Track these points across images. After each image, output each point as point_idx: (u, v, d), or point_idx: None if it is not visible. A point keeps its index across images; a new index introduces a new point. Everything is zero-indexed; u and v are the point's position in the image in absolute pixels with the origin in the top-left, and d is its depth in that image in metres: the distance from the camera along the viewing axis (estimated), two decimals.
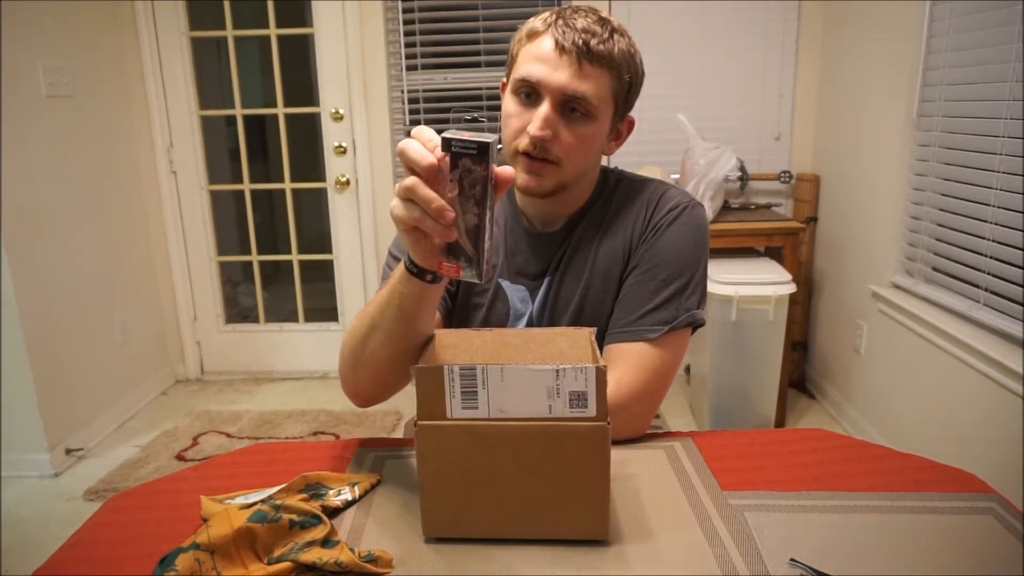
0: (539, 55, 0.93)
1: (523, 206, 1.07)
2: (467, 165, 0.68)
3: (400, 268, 0.81)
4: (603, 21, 0.94)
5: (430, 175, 0.69)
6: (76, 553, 0.74)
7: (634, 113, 1.04)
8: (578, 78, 0.92)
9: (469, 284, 1.07)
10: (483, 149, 0.67)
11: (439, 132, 0.70)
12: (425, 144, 0.70)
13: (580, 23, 0.92)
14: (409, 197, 0.70)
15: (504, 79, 1.02)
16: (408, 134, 0.72)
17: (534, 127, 0.93)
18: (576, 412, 0.68)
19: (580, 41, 0.91)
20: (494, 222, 0.72)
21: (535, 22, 0.96)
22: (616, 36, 0.94)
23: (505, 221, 1.08)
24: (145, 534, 0.76)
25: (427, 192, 0.69)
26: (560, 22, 0.93)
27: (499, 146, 0.81)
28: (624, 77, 0.96)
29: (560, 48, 0.92)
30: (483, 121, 2.99)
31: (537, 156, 0.95)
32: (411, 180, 0.70)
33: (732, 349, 2.49)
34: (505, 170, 0.71)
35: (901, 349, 2.28)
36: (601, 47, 0.92)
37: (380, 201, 3.14)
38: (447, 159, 0.69)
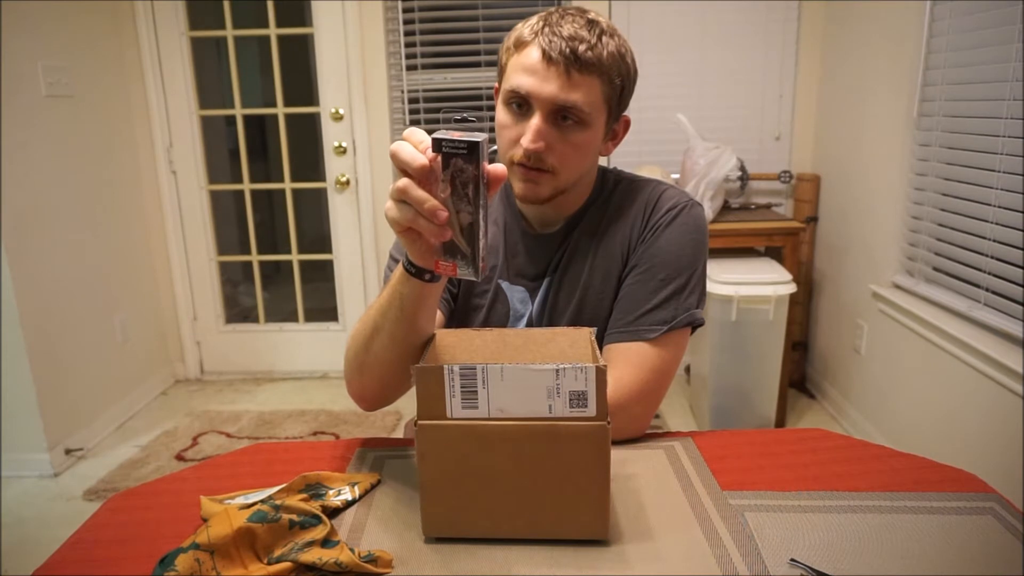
0: (527, 66, 0.92)
1: (522, 208, 1.07)
2: (458, 164, 0.68)
3: (399, 269, 0.81)
4: (591, 24, 0.92)
5: (422, 176, 0.69)
6: (76, 553, 0.74)
7: (634, 113, 1.04)
8: (568, 87, 0.90)
9: (470, 285, 1.07)
10: (473, 148, 0.68)
11: (431, 133, 0.70)
12: (416, 145, 0.70)
13: (567, 30, 0.90)
14: (402, 199, 0.70)
15: (496, 84, 1.01)
16: None
17: (527, 140, 0.92)
18: (576, 412, 0.68)
19: (567, 49, 0.89)
20: (489, 220, 0.72)
21: (522, 29, 0.95)
22: (605, 39, 0.92)
23: (504, 222, 1.08)
24: (145, 534, 0.76)
25: (419, 193, 0.69)
26: (547, 30, 0.91)
27: (493, 147, 0.80)
28: (615, 81, 0.94)
29: (547, 58, 0.90)
30: (473, 120, 2.98)
31: (533, 166, 0.94)
32: (403, 182, 0.70)
33: (732, 349, 2.49)
34: (497, 168, 0.71)
35: (901, 349, 2.28)
36: (589, 54, 0.90)
37: (380, 201, 3.14)
38: (438, 159, 0.69)
